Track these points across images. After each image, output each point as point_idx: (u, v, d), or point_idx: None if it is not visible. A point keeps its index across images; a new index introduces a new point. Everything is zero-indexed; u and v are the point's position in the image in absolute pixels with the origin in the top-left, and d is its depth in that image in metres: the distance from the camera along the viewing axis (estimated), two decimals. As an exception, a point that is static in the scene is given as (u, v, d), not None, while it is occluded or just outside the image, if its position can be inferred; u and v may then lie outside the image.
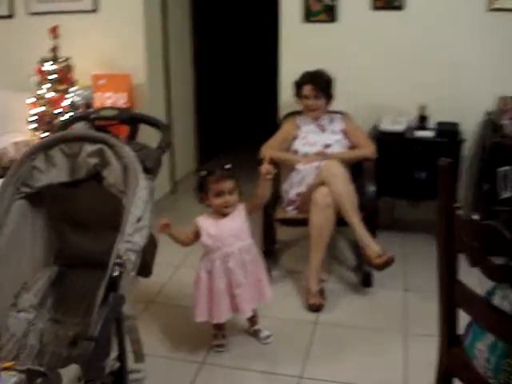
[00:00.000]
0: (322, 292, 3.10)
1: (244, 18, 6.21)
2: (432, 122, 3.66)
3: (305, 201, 3.18)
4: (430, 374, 1.86)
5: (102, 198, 1.90)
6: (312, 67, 3.49)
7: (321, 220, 3.03)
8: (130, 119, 2.13)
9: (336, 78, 3.48)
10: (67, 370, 1.43)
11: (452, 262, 1.66)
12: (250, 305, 2.64)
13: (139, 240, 1.74)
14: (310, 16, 3.91)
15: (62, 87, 3.79)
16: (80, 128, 2.30)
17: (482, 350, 1.59)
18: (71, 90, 3.81)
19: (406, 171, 3.58)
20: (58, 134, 1.97)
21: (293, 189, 3.33)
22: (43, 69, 3.79)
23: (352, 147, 3.45)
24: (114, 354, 1.73)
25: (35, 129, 3.78)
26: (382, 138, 3.61)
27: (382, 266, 2.96)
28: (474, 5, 3.60)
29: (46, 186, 1.91)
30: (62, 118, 3.52)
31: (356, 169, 3.39)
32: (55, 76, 3.78)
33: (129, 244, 1.70)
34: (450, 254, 1.66)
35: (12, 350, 1.82)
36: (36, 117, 3.80)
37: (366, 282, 3.24)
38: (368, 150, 3.38)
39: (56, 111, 3.74)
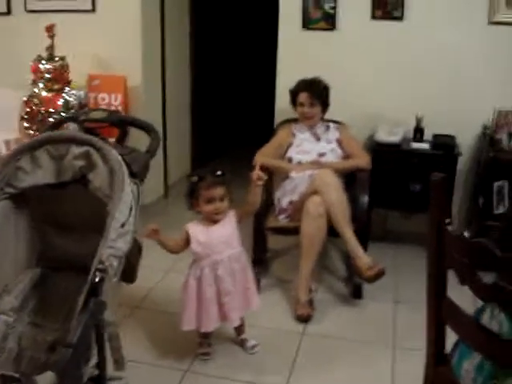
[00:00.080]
0: (311, 302, 3.06)
1: (243, 22, 6.18)
2: (428, 134, 3.64)
3: (297, 209, 3.15)
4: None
5: (87, 201, 1.86)
6: (310, 74, 3.46)
7: (312, 229, 3.00)
8: (120, 122, 2.10)
9: (333, 86, 3.46)
10: (43, 376, 1.39)
11: (441, 278, 1.63)
12: (238, 313, 2.60)
13: (122, 246, 1.71)
14: (309, 23, 3.89)
15: (56, 86, 3.76)
16: (72, 129, 2.27)
17: (468, 369, 1.55)
18: (66, 89, 3.78)
19: (400, 183, 3.55)
20: (45, 135, 1.93)
21: (285, 197, 3.30)
22: (38, 67, 3.75)
23: (346, 157, 3.43)
24: (93, 361, 1.69)
25: (27, 127, 3.74)
26: (378, 149, 3.58)
27: (373, 279, 2.93)
28: (474, 17, 3.59)
29: (31, 187, 1.88)
30: (51, 119, 3.48)
31: (350, 179, 3.36)
32: (50, 75, 3.74)
33: (111, 250, 1.66)
34: (439, 270, 1.62)
35: (-11, 353, 1.78)
36: (28, 115, 3.76)
37: (356, 293, 3.20)
38: (362, 160, 3.35)
39: (49, 110, 3.69)
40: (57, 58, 3.77)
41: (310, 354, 2.71)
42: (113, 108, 3.96)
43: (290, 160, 3.41)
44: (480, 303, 1.54)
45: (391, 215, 3.94)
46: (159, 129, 4.43)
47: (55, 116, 3.55)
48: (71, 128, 2.27)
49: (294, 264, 3.19)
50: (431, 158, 3.50)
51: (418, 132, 3.63)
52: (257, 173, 2.49)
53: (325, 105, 3.45)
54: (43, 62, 3.74)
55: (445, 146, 3.53)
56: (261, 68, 5.81)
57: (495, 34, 3.57)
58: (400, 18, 3.72)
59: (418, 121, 3.63)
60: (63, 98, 3.74)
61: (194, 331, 2.59)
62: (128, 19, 4.05)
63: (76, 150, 1.84)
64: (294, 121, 3.58)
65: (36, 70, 3.75)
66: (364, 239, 3.08)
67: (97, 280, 1.59)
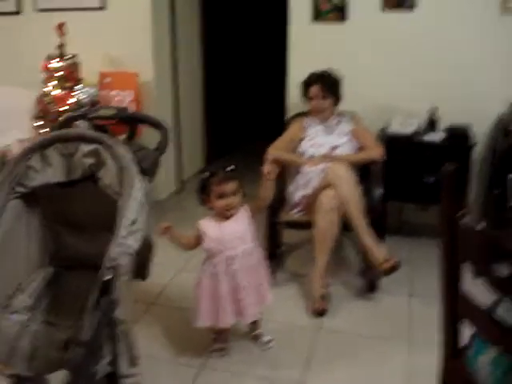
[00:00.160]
0: (326, 297, 3.04)
1: (253, 16, 6.16)
2: (442, 125, 3.59)
3: (310, 203, 3.13)
4: (435, 382, 1.80)
5: (98, 199, 1.86)
6: (321, 67, 3.43)
7: (326, 223, 2.97)
8: (129, 119, 2.10)
9: (345, 78, 3.43)
10: (56, 375, 1.39)
11: (455, 271, 1.60)
12: (254, 309, 2.59)
13: (133, 243, 1.70)
14: (319, 16, 3.86)
15: (68, 85, 3.77)
16: (82, 127, 2.27)
17: (484, 363, 1.53)
18: (77, 87, 3.78)
19: (414, 175, 3.51)
20: (55, 134, 1.93)
21: (298, 191, 3.28)
22: (49, 66, 3.76)
23: (360, 149, 3.40)
24: (107, 358, 1.69)
25: (40, 126, 3.76)
26: (391, 141, 3.54)
27: (388, 272, 2.91)
28: (487, 5, 3.53)
29: (42, 186, 1.88)
30: (61, 117, 3.48)
31: (363, 171, 3.33)
32: (61, 73, 3.74)
33: (122, 247, 1.66)
34: (453, 263, 1.60)
35: (3, 351, 1.79)
36: (41, 114, 3.78)
37: (371, 287, 3.18)
38: (376, 152, 3.32)
39: (61, 109, 3.70)
40: (68, 57, 3.77)
41: (325, 349, 2.69)
42: (125, 105, 3.95)
43: (302, 154, 3.38)
44: (495, 296, 1.52)
45: (407, 207, 3.91)
46: (171, 125, 4.45)
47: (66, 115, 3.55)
48: (82, 126, 2.26)
49: (308, 258, 3.18)
50: (445, 149, 3.46)
51: (432, 123, 3.59)
52: (268, 167, 2.47)
53: (337, 97, 3.42)
54: (54, 60, 3.74)
55: (459, 136, 3.48)
56: (272, 62, 5.79)
57: (509, 21, 3.51)
58: (411, 8, 3.68)
59: (432, 112, 3.59)
60: (75, 96, 3.75)
61: (210, 327, 2.59)
62: (138, 15, 4.05)
63: (85, 147, 1.84)
64: (306, 114, 3.56)
65: (47, 69, 3.76)
66: (379, 232, 3.05)
67: (107, 278, 1.59)
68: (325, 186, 3.04)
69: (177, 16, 4.36)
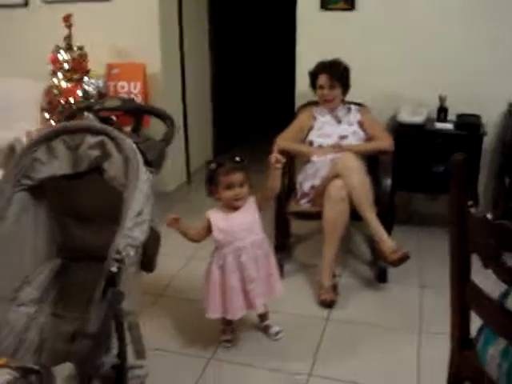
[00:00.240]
0: (335, 287, 3.03)
1: (262, 6, 6.11)
2: (452, 114, 3.55)
3: (319, 194, 3.11)
4: (444, 374, 1.78)
5: (104, 190, 1.85)
6: (329, 56, 3.41)
7: (334, 214, 2.96)
8: (135, 110, 2.08)
9: (354, 67, 3.40)
10: (62, 367, 1.39)
11: (465, 261, 1.58)
12: (263, 300, 2.58)
13: (139, 235, 1.69)
14: (328, 4, 3.83)
15: (75, 76, 3.75)
16: (89, 119, 2.26)
17: (494, 355, 1.51)
18: (85, 79, 3.77)
19: (424, 164, 3.48)
20: (61, 125, 1.93)
21: (307, 181, 3.26)
22: (57, 58, 3.75)
23: (368, 139, 3.37)
24: (114, 350, 1.69)
25: (48, 118, 3.75)
26: (400, 130, 3.52)
27: (397, 262, 2.89)
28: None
29: (48, 178, 1.87)
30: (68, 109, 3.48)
31: (372, 162, 3.31)
32: (69, 65, 3.73)
33: (128, 239, 1.65)
34: (462, 254, 1.58)
35: (11, 344, 1.79)
36: (49, 106, 3.78)
37: (380, 277, 3.16)
38: (385, 142, 3.29)
39: (69, 100, 3.70)
40: (75, 48, 3.76)
41: (335, 340, 2.69)
42: (132, 96, 3.95)
43: (310, 143, 3.36)
44: (504, 287, 1.50)
45: (416, 197, 3.88)
46: (179, 115, 4.43)
47: (75, 106, 3.55)
48: (90, 118, 2.25)
49: (317, 249, 3.16)
50: (455, 138, 3.43)
51: (442, 112, 3.55)
52: (275, 156, 2.45)
53: (345, 87, 3.40)
54: (61, 52, 3.73)
55: (469, 125, 3.45)
56: (281, 51, 5.74)
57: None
58: (420, -4, 3.64)
59: (442, 100, 3.55)
60: (82, 87, 3.74)
61: (218, 318, 2.59)
62: (145, 6, 4.03)
63: (91, 139, 1.83)
64: (315, 104, 3.53)
65: (55, 61, 3.75)
66: (388, 222, 3.04)
67: (113, 270, 1.58)
68: (333, 176, 3.02)
69: (184, 6, 4.33)
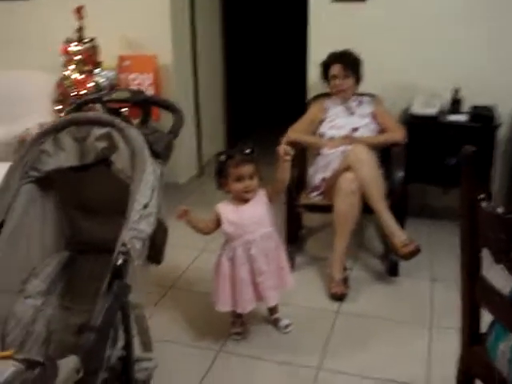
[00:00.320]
0: (345, 280, 3.01)
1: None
2: (466, 106, 3.50)
3: (330, 186, 3.09)
4: (455, 369, 1.77)
5: (111, 183, 1.84)
6: (341, 47, 3.38)
7: (345, 206, 2.93)
8: (143, 102, 2.07)
9: (366, 58, 3.37)
10: (66, 360, 1.39)
11: (475, 257, 1.56)
12: (273, 293, 2.57)
13: (146, 227, 1.68)
14: (340, -6, 3.78)
15: (87, 68, 3.75)
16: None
17: (504, 351, 1.49)
18: (96, 71, 3.77)
19: (437, 157, 3.44)
20: (68, 117, 1.92)
21: (318, 174, 3.24)
22: (68, 49, 3.75)
23: (381, 131, 3.34)
24: (120, 343, 1.69)
25: (60, 110, 3.76)
26: (413, 122, 3.47)
27: (408, 256, 2.86)
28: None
29: (55, 170, 1.87)
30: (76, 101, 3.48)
31: (384, 154, 3.28)
32: (80, 57, 3.73)
33: (134, 232, 1.64)
34: (472, 249, 1.56)
35: (18, 336, 1.79)
36: (61, 98, 3.78)
37: (392, 270, 3.13)
38: (397, 134, 3.25)
39: (81, 92, 3.70)
40: (86, 40, 3.75)
41: (345, 333, 2.67)
42: (144, 88, 3.94)
43: (322, 136, 3.34)
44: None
45: (430, 190, 3.83)
46: (191, 107, 4.42)
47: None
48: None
49: (328, 241, 3.14)
50: (469, 130, 3.37)
51: (456, 103, 3.49)
52: (283, 147, 2.43)
53: (358, 77, 3.37)
54: (73, 44, 3.73)
55: (483, 117, 3.39)
56: (293, 43, 5.70)
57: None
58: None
59: (455, 92, 3.49)
60: (94, 79, 3.74)
61: (228, 311, 2.58)
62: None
63: (98, 131, 1.82)
64: (326, 95, 3.50)
65: (66, 52, 3.75)
66: (400, 215, 3.00)
67: (119, 263, 1.57)
68: (345, 168, 2.99)
69: (196, -3, 4.32)
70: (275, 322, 2.72)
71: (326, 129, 3.35)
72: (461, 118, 3.43)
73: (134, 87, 3.92)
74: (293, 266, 3.07)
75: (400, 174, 3.10)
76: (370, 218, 3.45)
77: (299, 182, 3.30)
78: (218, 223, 2.51)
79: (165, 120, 2.38)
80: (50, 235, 2.02)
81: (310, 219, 3.64)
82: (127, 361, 1.71)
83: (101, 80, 3.72)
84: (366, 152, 3.00)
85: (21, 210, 1.85)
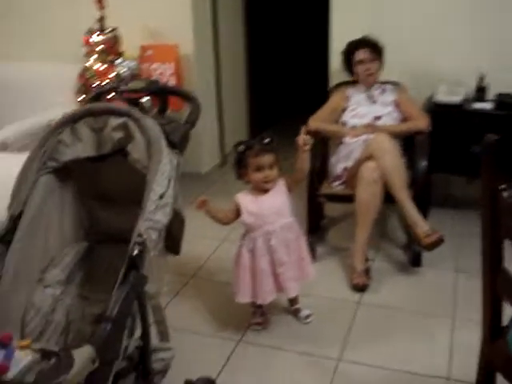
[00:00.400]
0: (367, 271, 2.98)
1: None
2: (492, 94, 3.42)
3: (352, 176, 3.05)
4: (476, 362, 1.74)
5: (128, 173, 1.84)
6: (363, 33, 3.34)
7: (367, 196, 2.89)
8: (160, 91, 2.06)
9: (389, 46, 3.34)
10: (81, 350, 1.39)
11: (497, 249, 1.52)
12: (294, 283, 2.55)
13: (161, 218, 1.68)
14: (363, -20, 3.72)
15: (109, 58, 3.76)
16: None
17: (525, 345, 1.46)
18: (118, 61, 3.77)
19: (461, 146, 3.37)
20: (85, 107, 1.92)
21: (340, 163, 3.21)
22: (90, 40, 3.76)
23: (404, 119, 3.29)
24: (138, 333, 1.69)
25: (82, 100, 3.78)
26: (437, 110, 3.40)
27: (431, 246, 2.82)
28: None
29: (73, 161, 1.87)
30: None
31: (408, 142, 3.22)
32: (102, 47, 3.74)
33: (150, 222, 1.64)
34: (494, 241, 1.52)
35: (37, 326, 1.81)
36: (83, 88, 3.80)
37: (415, 261, 3.09)
38: (421, 122, 3.20)
39: (103, 83, 3.71)
40: (108, 30, 3.76)
41: (366, 324, 2.64)
42: (165, 78, 3.94)
43: (344, 125, 3.31)
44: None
45: (454, 180, 3.77)
46: (213, 97, 4.41)
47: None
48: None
49: (350, 232, 3.11)
50: (494, 118, 3.30)
51: (480, 91, 3.41)
52: (302, 137, 2.40)
53: (381, 62, 3.33)
54: (95, 34, 3.74)
55: (509, 105, 3.31)
56: (316, 31, 5.63)
57: None
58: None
59: (481, 79, 3.41)
60: (115, 70, 3.74)
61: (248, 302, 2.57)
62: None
63: (114, 121, 1.81)
64: (348, 84, 3.46)
65: (88, 43, 3.76)
66: (423, 205, 2.96)
67: (135, 253, 1.57)
68: (367, 157, 2.95)
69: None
70: (295, 313, 2.71)
71: (349, 117, 3.31)
72: (486, 105, 3.36)
73: (155, 77, 3.92)
74: (314, 256, 3.04)
75: (423, 164, 3.05)
76: (393, 208, 3.40)
77: (321, 172, 3.27)
78: (237, 213, 2.50)
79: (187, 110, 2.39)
80: (68, 225, 2.03)
81: (332, 209, 3.61)
82: (144, 351, 1.72)
83: (122, 70, 3.72)
84: (388, 141, 2.95)
85: (39, 200, 1.86)
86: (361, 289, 2.89)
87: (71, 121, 1.87)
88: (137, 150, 1.77)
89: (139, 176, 1.77)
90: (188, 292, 2.94)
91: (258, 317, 2.65)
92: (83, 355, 1.37)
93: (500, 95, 3.40)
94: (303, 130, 2.43)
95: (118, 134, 1.81)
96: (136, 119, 1.78)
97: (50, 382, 1.30)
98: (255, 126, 5.14)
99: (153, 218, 1.65)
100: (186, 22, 4.04)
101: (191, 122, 1.93)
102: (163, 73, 3.98)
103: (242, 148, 2.46)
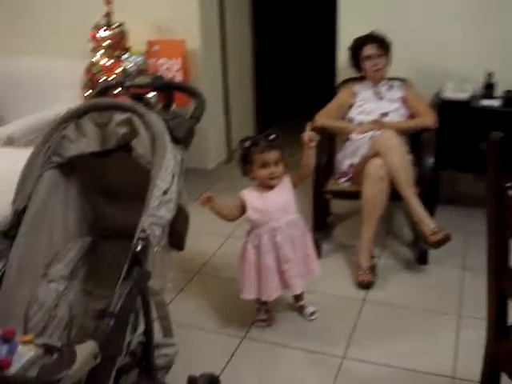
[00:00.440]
0: (373, 268, 2.97)
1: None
2: (500, 90, 3.40)
3: (358, 172, 3.04)
4: (481, 361, 1.73)
5: (132, 168, 1.83)
6: (370, 28, 3.33)
7: (373, 192, 2.88)
8: (164, 86, 2.05)
9: (397, 42, 3.32)
10: (84, 346, 1.39)
11: (503, 247, 1.51)
12: (300, 280, 2.55)
13: (165, 214, 1.67)
14: (370, -24, 3.70)
15: (115, 53, 3.75)
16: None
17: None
18: (124, 56, 3.77)
19: (469, 143, 3.34)
20: (90, 102, 1.91)
21: (346, 159, 3.20)
22: (97, 35, 3.76)
23: (411, 116, 3.27)
24: (141, 328, 1.69)
25: (89, 96, 3.77)
26: (445, 107, 3.38)
27: (437, 244, 2.80)
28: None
29: (77, 156, 1.87)
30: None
31: (415, 139, 3.21)
32: (109, 42, 3.74)
33: (153, 218, 1.63)
34: (500, 239, 1.51)
35: (41, 320, 1.80)
36: (90, 83, 3.80)
37: (421, 258, 3.08)
38: (428, 119, 3.19)
39: (110, 78, 3.70)
40: (115, 25, 3.75)
41: (371, 322, 2.64)
42: (172, 73, 3.93)
43: (351, 121, 3.30)
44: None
45: (461, 177, 3.75)
46: (220, 92, 4.40)
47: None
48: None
49: (356, 229, 3.10)
50: (502, 115, 3.27)
51: (489, 88, 3.39)
52: (308, 134, 2.40)
53: (389, 57, 3.31)
54: (102, 29, 3.73)
55: (517, 102, 3.29)
56: (323, 28, 5.61)
57: None
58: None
59: (489, 76, 3.39)
60: (122, 65, 3.74)
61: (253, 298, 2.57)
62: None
63: (118, 116, 1.80)
64: (356, 80, 3.44)
65: (95, 38, 3.76)
66: (430, 202, 2.95)
67: (139, 249, 1.57)
68: (373, 154, 2.94)
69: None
70: (300, 310, 2.70)
71: (355, 114, 3.30)
72: (494, 102, 3.33)
73: (162, 72, 3.91)
74: (319, 253, 3.03)
75: (430, 161, 3.03)
76: (399, 205, 3.39)
77: (327, 168, 3.26)
78: (242, 210, 2.50)
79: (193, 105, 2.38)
80: (72, 220, 2.02)
81: (338, 206, 3.60)
82: (147, 346, 1.71)
83: (129, 65, 3.72)
84: (394, 137, 2.94)
85: (43, 195, 1.86)
86: (366, 286, 2.88)
87: (76, 116, 1.86)
88: (141, 146, 1.76)
89: (143, 171, 1.76)
90: (193, 288, 2.94)
91: (262, 313, 2.65)
92: (86, 350, 1.36)
93: (508, 92, 3.37)
94: (309, 126, 2.42)
95: (123, 130, 1.80)
96: (140, 115, 1.77)
97: (52, 377, 1.29)
98: (262, 122, 5.12)
99: (156, 213, 1.64)
100: (193, 17, 4.03)
101: (196, 117, 1.92)
102: (170, 68, 3.97)
103: (247, 144, 2.45)
